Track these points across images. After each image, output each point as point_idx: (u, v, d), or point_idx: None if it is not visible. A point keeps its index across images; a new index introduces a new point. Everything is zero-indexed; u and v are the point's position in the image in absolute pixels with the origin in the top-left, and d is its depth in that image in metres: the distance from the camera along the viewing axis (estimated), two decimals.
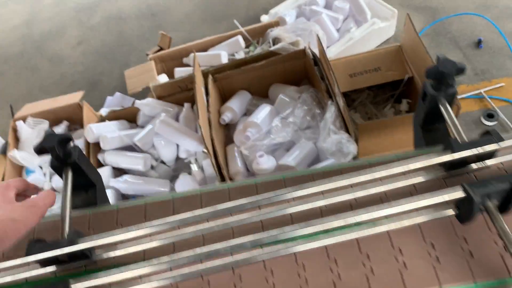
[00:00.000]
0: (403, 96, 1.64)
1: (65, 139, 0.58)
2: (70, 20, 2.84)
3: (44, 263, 0.53)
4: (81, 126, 1.83)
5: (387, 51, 1.56)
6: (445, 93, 0.58)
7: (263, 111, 1.49)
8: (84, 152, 1.63)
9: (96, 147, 1.64)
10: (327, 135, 1.32)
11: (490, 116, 1.70)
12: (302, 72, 1.66)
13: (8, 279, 0.53)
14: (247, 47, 1.94)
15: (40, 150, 0.57)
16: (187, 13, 2.56)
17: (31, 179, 1.68)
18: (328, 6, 2.10)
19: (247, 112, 1.63)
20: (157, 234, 0.54)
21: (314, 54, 1.56)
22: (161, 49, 2.09)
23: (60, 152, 0.58)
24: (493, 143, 0.52)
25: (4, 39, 2.85)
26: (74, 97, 1.83)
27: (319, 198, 0.55)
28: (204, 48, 1.95)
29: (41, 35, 2.79)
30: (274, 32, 1.86)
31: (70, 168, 0.60)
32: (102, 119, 1.72)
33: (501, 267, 0.51)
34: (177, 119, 1.64)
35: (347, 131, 1.31)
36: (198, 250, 0.51)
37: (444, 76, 0.56)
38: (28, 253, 0.51)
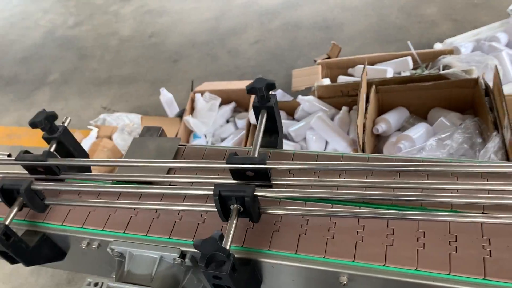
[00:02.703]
0: None
1: None
2: (252, 22, 3.18)
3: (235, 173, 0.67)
4: (246, 109, 2.06)
5: None
6: None
7: (420, 128, 1.51)
8: (245, 131, 1.84)
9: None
10: None
11: None
12: (468, 101, 1.62)
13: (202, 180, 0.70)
14: (414, 69, 1.96)
15: None
16: (359, 30, 2.67)
17: (195, 143, 1.95)
18: (510, 45, 2.00)
19: (402, 128, 1.65)
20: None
21: (487, 85, 1.52)
22: (328, 57, 2.23)
23: (263, 94, 0.72)
24: None
25: (196, 28, 3.32)
26: (245, 84, 2.07)
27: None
28: (372, 62, 2.03)
29: (226, 30, 3.18)
30: (446, 59, 1.85)
31: (266, 111, 0.74)
32: None
33: None
34: (332, 120, 1.75)
35: None
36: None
37: None
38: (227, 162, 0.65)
